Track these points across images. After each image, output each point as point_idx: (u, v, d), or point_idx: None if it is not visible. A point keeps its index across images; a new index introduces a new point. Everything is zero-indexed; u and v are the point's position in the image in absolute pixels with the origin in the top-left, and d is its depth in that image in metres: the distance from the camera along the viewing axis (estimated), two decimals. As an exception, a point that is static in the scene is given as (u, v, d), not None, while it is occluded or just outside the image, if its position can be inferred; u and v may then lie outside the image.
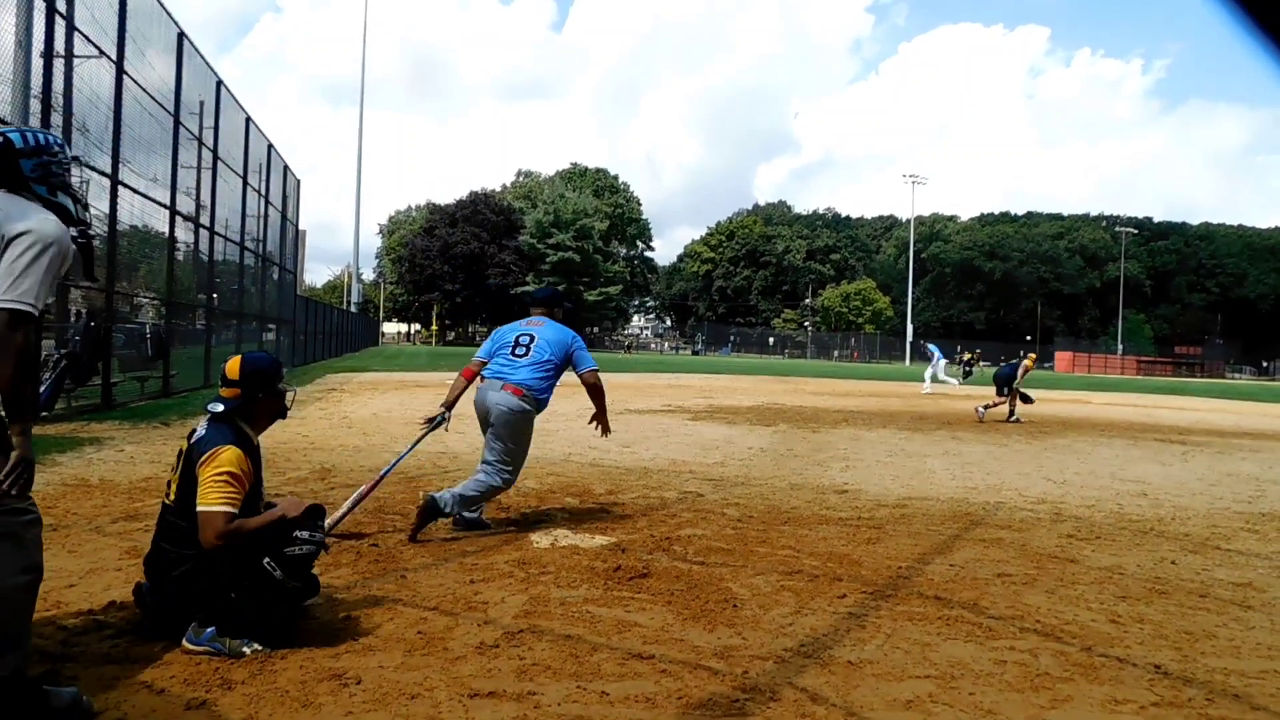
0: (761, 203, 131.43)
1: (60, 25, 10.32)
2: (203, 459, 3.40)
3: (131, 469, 7.23)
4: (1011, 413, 16.48)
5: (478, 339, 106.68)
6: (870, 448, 11.19)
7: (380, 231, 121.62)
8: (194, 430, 3.61)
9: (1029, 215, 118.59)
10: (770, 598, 4.28)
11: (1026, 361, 17.00)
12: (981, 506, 7.14)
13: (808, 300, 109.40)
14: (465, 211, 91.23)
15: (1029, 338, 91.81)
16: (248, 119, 19.55)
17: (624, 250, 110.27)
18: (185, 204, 15.25)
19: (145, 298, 15.01)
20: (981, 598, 4.44)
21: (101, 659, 3.19)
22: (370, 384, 20.40)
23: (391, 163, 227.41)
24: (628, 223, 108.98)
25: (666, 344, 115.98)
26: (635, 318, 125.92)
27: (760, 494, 7.30)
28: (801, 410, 17.38)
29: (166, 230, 14.11)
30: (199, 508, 3.33)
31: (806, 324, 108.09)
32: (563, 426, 11.64)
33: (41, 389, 9.88)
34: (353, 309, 64.82)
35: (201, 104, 16.35)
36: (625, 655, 3.43)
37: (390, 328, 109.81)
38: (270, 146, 22.48)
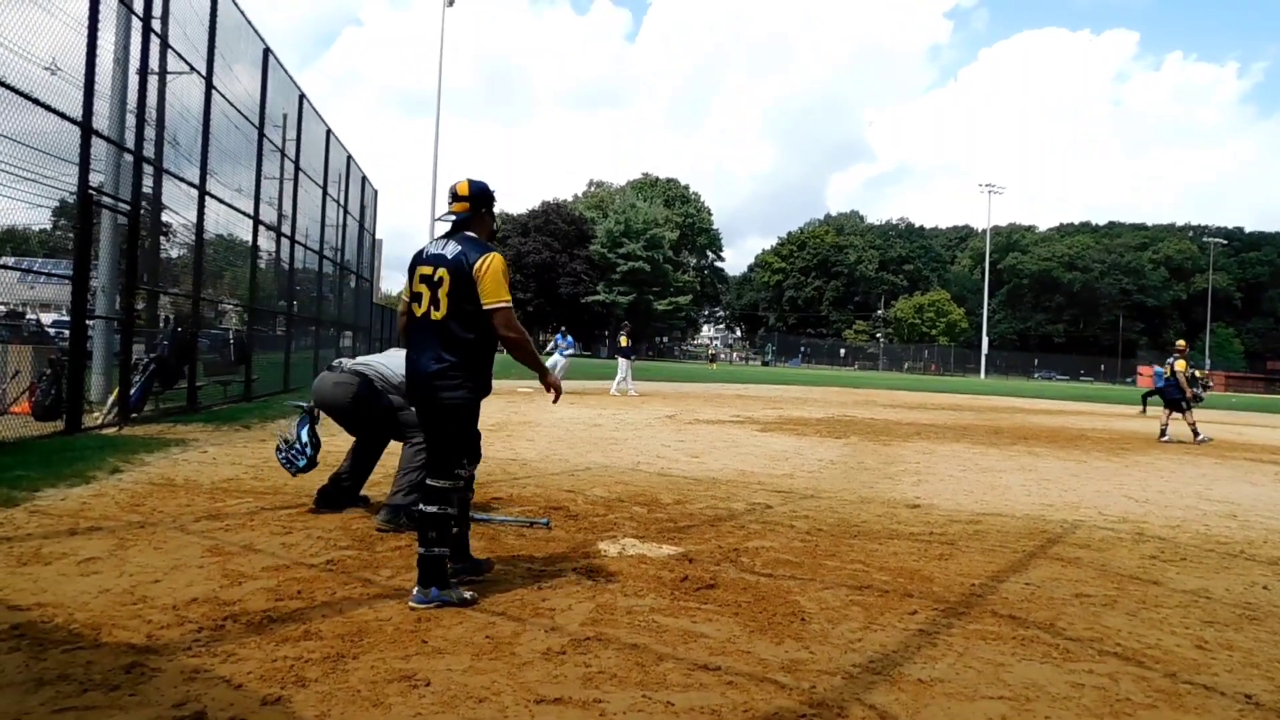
0: (834, 212, 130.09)
1: (155, 43, 10.74)
2: (480, 264, 4.12)
3: (214, 470, 7.47)
4: (1196, 433, 15.48)
5: (549, 347, 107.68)
6: (943, 462, 10.99)
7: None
8: (425, 250, 4.27)
9: (1111, 225, 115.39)
10: (839, 612, 4.22)
11: (1178, 364, 15.58)
12: (1059, 524, 6.94)
13: (880, 311, 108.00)
14: (537, 221, 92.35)
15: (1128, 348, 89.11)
16: (328, 131, 20.08)
17: (694, 260, 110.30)
18: (268, 214, 15.70)
19: (229, 304, 15.48)
20: (1058, 618, 4.32)
21: (183, 651, 3.29)
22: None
23: (465, 171, 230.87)
24: (698, 232, 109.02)
25: (736, 354, 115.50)
26: (705, 328, 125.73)
27: (829, 507, 7.22)
28: (872, 423, 17.15)
29: (250, 239, 14.53)
30: (493, 305, 4.11)
31: (878, 335, 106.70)
32: (630, 435, 11.68)
33: (131, 391, 10.27)
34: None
35: (285, 116, 16.85)
36: (691, 666, 3.42)
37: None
38: (349, 158, 23.05)
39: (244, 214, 14.22)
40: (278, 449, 6.14)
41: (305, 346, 19.66)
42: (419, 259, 4.28)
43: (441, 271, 4.17)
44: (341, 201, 22.47)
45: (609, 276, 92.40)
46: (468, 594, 4.12)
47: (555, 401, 4.63)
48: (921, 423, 17.90)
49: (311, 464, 6.08)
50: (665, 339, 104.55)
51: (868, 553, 5.55)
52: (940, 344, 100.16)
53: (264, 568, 4.48)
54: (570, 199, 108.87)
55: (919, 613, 4.27)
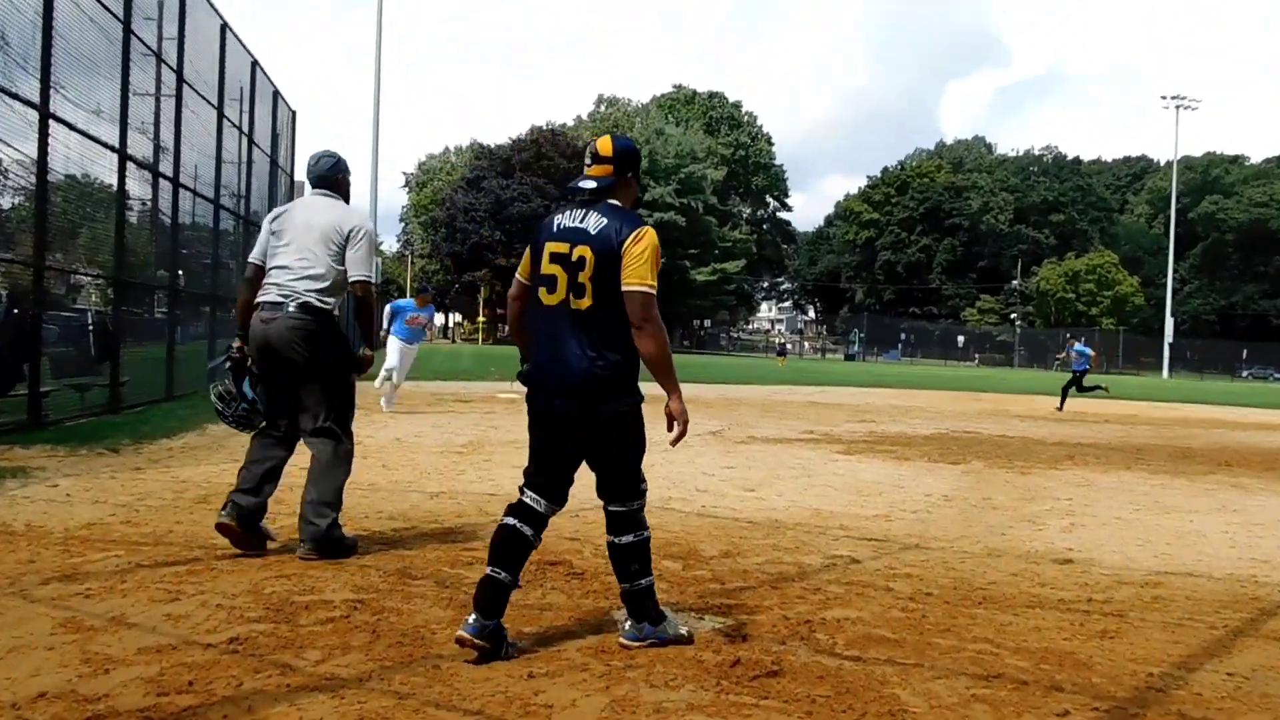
0: (950, 139, 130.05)
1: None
2: (631, 238, 4.65)
3: (69, 511, 7.55)
4: None
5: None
6: (1106, 498, 10.94)
7: (406, 184, 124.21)
8: (557, 221, 4.83)
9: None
10: (957, 712, 4.23)
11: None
12: (1277, 588, 6.91)
13: (1015, 282, 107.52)
14: (525, 155, 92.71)
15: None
16: (223, 26, 20.13)
17: (748, 210, 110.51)
18: (140, 146, 15.80)
19: (87, 276, 15.59)
20: (1275, 722, 4.31)
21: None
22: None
23: (423, 89, 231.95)
24: (754, 170, 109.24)
25: (808, 343, 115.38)
26: (763, 306, 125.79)
27: (942, 562, 7.21)
28: (1004, 441, 17.11)
29: (115, 182, 14.59)
30: (636, 287, 4.62)
31: (1013, 316, 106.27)
32: (659, 460, 11.68)
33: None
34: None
35: (161, 3, 16.81)
36: (746, 788, 3.43)
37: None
38: (255, 65, 23.15)
39: (106, 146, 14.24)
40: (218, 411, 6.53)
41: (197, 335, 19.80)
42: (548, 233, 4.83)
43: (583, 250, 4.67)
44: (245, 129, 22.62)
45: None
46: (684, 629, 4.94)
47: (676, 443, 4.95)
48: (1075, 441, 17.82)
49: (260, 419, 6.53)
50: (707, 323, 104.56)
51: (997, 627, 5.54)
52: (1103, 328, 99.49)
53: (140, 649, 4.53)
54: (571, 123, 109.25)
55: (1072, 714, 4.27)
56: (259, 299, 6.39)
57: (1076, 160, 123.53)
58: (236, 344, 6.56)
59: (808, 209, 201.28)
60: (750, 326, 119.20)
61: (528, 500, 4.85)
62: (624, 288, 4.65)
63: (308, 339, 6.32)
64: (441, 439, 13.54)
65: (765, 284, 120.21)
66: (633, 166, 4.96)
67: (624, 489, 4.85)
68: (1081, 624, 5.72)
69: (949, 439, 17.14)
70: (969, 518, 9.28)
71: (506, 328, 5.26)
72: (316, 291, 6.39)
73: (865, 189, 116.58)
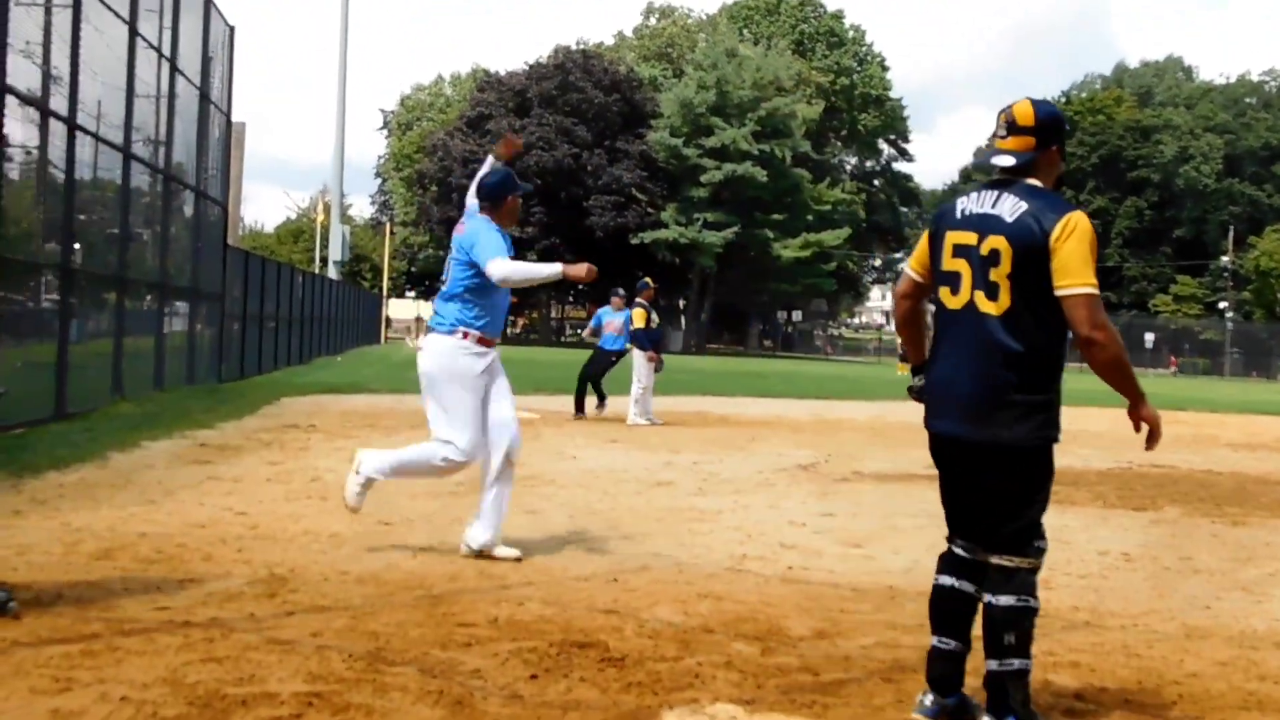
0: (1133, 63, 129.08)
1: None
2: (1059, 229, 4.99)
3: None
4: None
5: (570, 328, 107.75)
6: (1356, 558, 10.82)
7: (385, 126, 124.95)
8: (961, 206, 5.29)
9: None
10: None
11: None
12: None
13: (1225, 259, 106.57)
14: (547, 86, 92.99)
15: None
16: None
17: (853, 160, 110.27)
18: (23, 74, 15.86)
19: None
20: None
21: None
22: (364, 416, 20.94)
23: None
24: (862, 106, 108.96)
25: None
26: (874, 292, 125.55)
27: (1123, 645, 7.15)
28: (1210, 480, 16.96)
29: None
30: (1077, 289, 4.96)
31: (1223, 306, 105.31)
32: (728, 504, 11.65)
33: None
34: (333, 273, 66.33)
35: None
36: None
37: (404, 309, 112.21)
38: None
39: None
40: None
41: (98, 332, 19.88)
42: (948, 219, 5.33)
43: (996, 241, 5.07)
44: (167, 51, 22.76)
45: (683, 193, 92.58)
46: None
47: (1152, 447, 5.50)
48: (1312, 480, 17.59)
49: None
50: (797, 316, 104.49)
51: (1202, 738, 5.48)
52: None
53: (17, 759, 4.55)
54: (610, 42, 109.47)
55: None
56: None
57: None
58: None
59: (935, 159, 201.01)
60: (856, 320, 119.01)
61: (957, 550, 5.62)
62: (1060, 291, 4.99)
63: None
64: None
65: (877, 262, 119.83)
66: (1058, 138, 5.35)
67: (1016, 538, 5.28)
68: (1319, 734, 5.65)
69: (1132, 476, 16.98)
70: (1160, 585, 9.21)
71: (897, 329, 5.75)
72: None
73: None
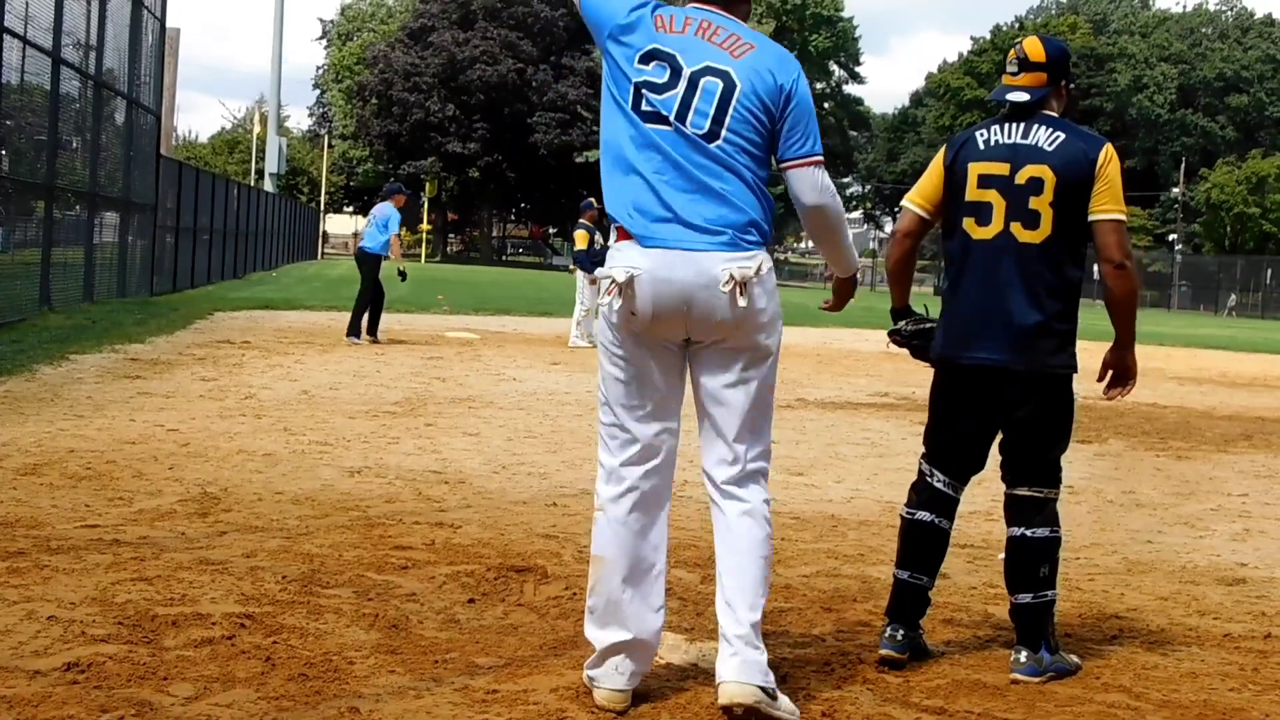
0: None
1: None
2: (1103, 157, 5.25)
3: None
4: None
5: (512, 249, 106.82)
6: (1296, 494, 10.96)
7: (324, 36, 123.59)
8: (981, 136, 5.43)
9: None
10: (1081, 788, 4.23)
11: None
12: None
13: (1176, 190, 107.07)
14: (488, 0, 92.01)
15: None
16: None
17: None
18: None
19: None
20: None
21: None
22: (300, 333, 20.91)
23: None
24: (812, 26, 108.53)
25: (877, 274, 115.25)
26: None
27: (1065, 578, 7.18)
28: (1155, 413, 17.17)
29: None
30: (1114, 214, 5.29)
31: (1172, 238, 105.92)
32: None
33: None
34: (269, 186, 65.86)
35: None
36: None
37: (341, 224, 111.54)
38: None
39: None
40: None
41: (25, 241, 19.72)
42: (971, 150, 5.44)
43: (1038, 169, 5.25)
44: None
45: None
46: (1073, 657, 5.53)
47: (1111, 395, 6.06)
48: (1255, 414, 17.90)
49: None
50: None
51: (1138, 671, 5.55)
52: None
53: (-58, 676, 4.52)
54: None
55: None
56: None
57: (1269, 20, 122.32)
58: None
59: (887, 82, 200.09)
60: (801, 246, 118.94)
61: (938, 485, 5.62)
62: (1098, 215, 5.28)
63: None
64: (366, 394, 13.58)
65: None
66: (1067, 73, 5.58)
67: (1045, 470, 5.57)
68: (1256, 669, 5.72)
69: (1077, 408, 17.07)
70: (1103, 519, 9.29)
71: (889, 267, 5.36)
72: None
73: (969, 56, 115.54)
